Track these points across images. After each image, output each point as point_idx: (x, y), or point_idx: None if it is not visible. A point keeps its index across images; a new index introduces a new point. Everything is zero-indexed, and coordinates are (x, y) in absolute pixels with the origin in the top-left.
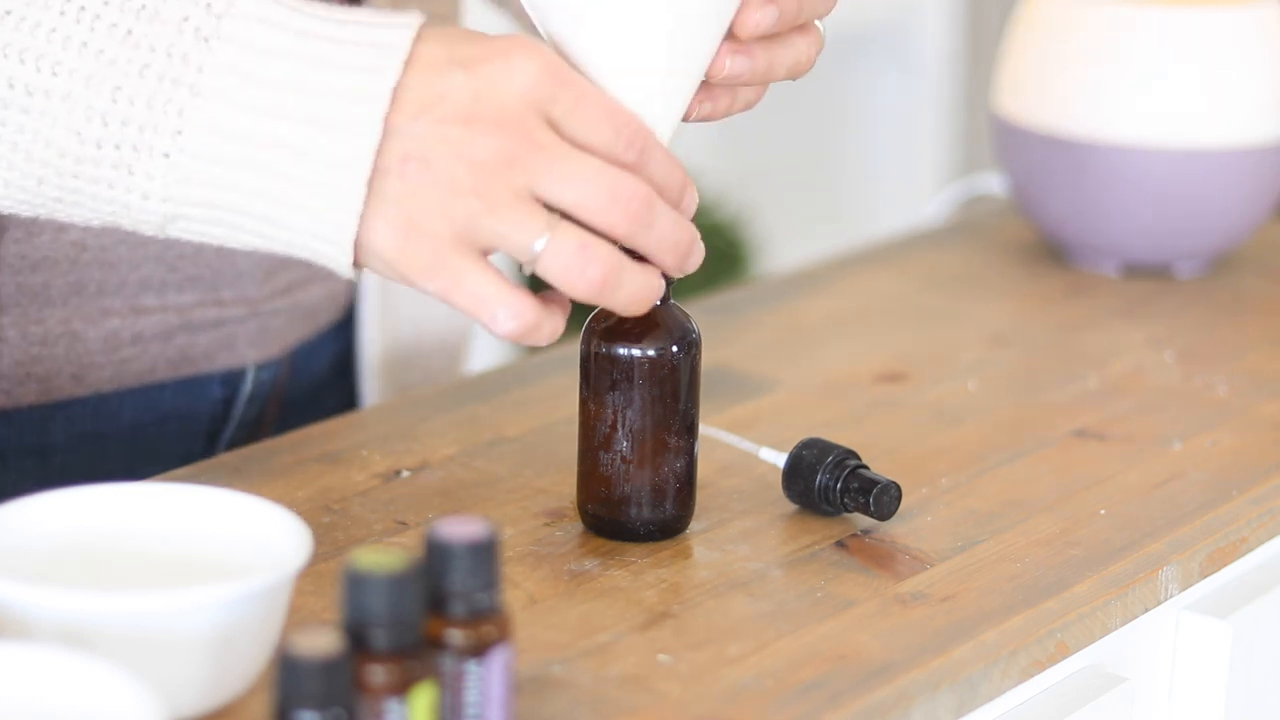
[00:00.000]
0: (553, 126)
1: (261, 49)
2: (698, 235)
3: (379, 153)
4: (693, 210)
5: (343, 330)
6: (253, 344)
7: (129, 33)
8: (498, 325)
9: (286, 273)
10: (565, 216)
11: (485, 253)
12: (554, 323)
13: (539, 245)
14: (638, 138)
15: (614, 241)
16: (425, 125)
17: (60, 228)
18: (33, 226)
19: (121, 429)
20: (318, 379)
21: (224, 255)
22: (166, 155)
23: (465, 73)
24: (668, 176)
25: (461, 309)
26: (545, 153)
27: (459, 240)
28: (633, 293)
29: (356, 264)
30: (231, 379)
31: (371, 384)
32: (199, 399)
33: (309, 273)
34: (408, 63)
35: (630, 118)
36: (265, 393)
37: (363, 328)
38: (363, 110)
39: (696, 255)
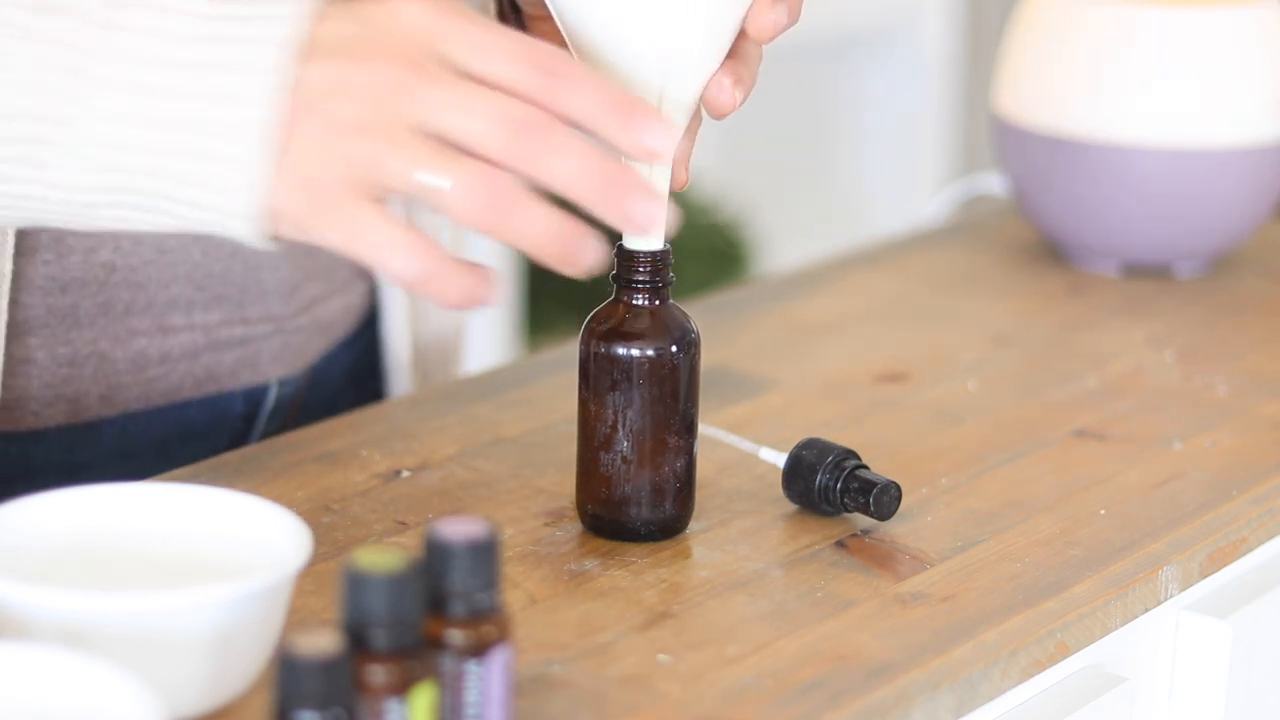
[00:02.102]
0: (447, 64)
1: (155, 33)
2: (635, 174)
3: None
4: (654, 139)
5: (357, 339)
6: (276, 360)
7: (27, 29)
8: (398, 270)
9: (309, 288)
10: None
11: (383, 199)
12: (467, 279)
13: (436, 178)
14: (545, 62)
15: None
16: (314, 72)
17: (90, 248)
18: (62, 248)
19: (146, 447)
20: (334, 388)
21: (250, 273)
22: (67, 145)
23: (352, 19)
24: (596, 101)
25: (362, 257)
26: (433, 82)
27: (356, 186)
28: (541, 227)
29: (271, 235)
30: (253, 395)
31: (399, 381)
32: (222, 415)
33: (329, 287)
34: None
35: (534, 45)
36: (286, 407)
37: (388, 330)
38: (256, 82)
39: (639, 197)
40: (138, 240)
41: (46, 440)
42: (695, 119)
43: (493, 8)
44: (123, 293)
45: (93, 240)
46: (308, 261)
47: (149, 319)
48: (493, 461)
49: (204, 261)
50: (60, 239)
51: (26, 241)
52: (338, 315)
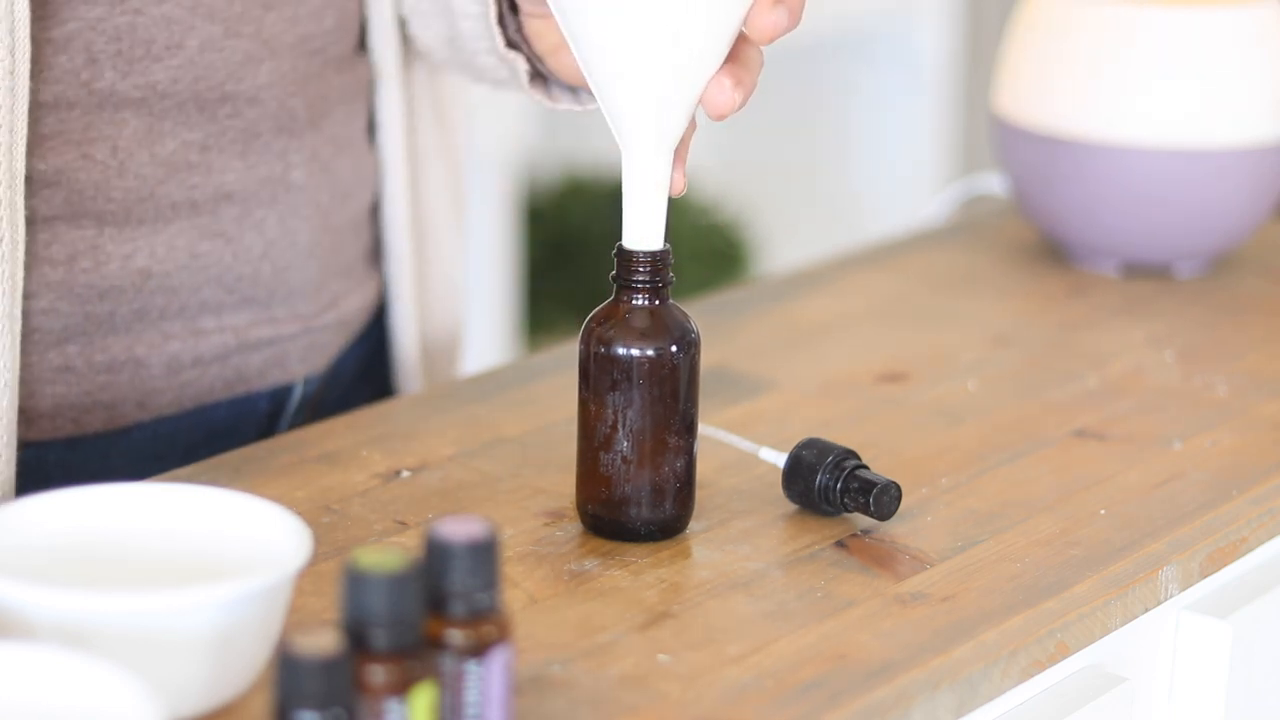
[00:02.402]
0: None
1: None
2: None
3: None
4: None
5: (368, 333)
6: (303, 360)
7: None
8: None
9: (333, 285)
10: None
11: None
12: None
13: None
14: None
15: None
16: None
17: (127, 255)
18: (100, 256)
19: (176, 449)
20: (347, 384)
21: (278, 274)
22: None
23: None
24: None
25: None
26: None
27: None
28: None
29: None
30: (279, 394)
31: (409, 377)
32: (248, 415)
33: (349, 283)
34: None
35: None
36: (308, 405)
37: (397, 324)
38: None
39: None
40: (171, 245)
41: (83, 447)
42: (690, 127)
43: (492, 10)
44: (157, 298)
45: (129, 247)
46: (332, 259)
47: (181, 323)
48: (493, 461)
49: (234, 264)
50: (98, 247)
51: (64, 250)
52: (356, 311)
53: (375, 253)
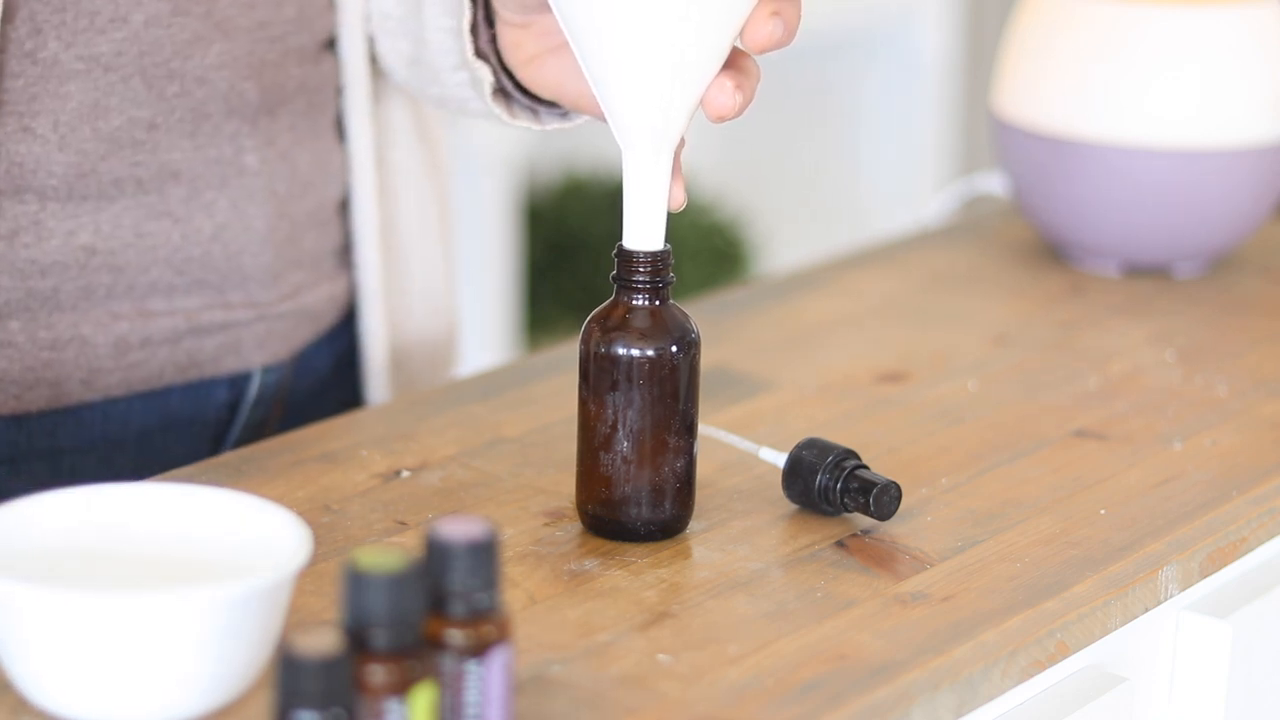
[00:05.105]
0: None
1: None
2: None
3: None
4: None
5: (342, 331)
6: (259, 347)
7: None
8: None
9: (292, 275)
10: None
11: None
12: None
13: None
14: None
15: None
16: None
17: (70, 231)
18: (42, 231)
19: (129, 434)
20: (320, 380)
21: (231, 259)
22: None
23: None
24: None
25: None
26: None
27: None
28: None
29: None
30: (237, 383)
31: (376, 383)
32: (205, 403)
33: (314, 275)
34: None
35: None
36: (270, 396)
37: (365, 328)
38: None
39: None
40: (117, 223)
41: (29, 425)
42: (680, 142)
43: (467, 14)
44: (103, 276)
45: (72, 223)
46: (290, 248)
47: (129, 303)
48: (493, 461)
49: (184, 245)
50: (40, 222)
51: (6, 224)
52: (323, 304)
53: (349, 251)
